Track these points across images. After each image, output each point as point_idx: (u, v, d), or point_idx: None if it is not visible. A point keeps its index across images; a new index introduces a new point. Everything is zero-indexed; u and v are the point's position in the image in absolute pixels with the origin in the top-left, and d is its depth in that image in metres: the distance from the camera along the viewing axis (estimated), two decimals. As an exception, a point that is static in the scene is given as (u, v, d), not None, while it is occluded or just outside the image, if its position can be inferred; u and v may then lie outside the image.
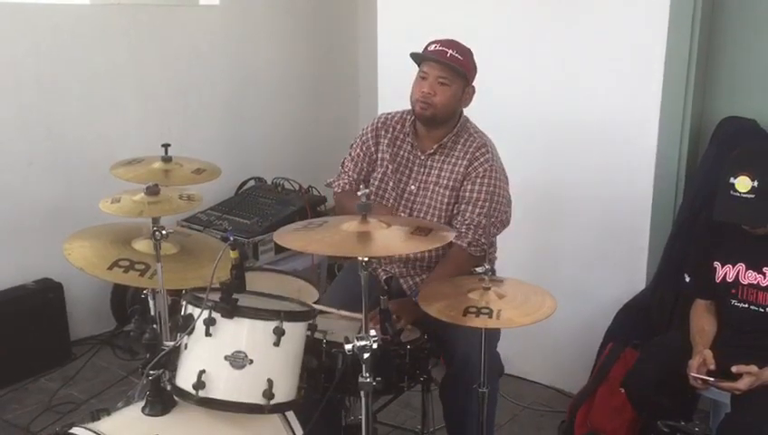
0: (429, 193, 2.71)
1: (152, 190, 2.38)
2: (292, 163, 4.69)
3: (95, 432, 1.90)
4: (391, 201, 2.76)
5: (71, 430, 1.93)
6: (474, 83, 2.69)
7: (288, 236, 2.12)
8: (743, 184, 2.41)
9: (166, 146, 2.76)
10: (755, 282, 2.52)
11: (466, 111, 2.76)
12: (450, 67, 2.59)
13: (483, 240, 2.60)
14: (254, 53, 4.61)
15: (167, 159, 2.76)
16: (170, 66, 4.21)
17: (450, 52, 2.59)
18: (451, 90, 2.62)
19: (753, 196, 2.40)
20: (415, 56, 2.66)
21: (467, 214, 2.64)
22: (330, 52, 5.00)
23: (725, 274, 2.58)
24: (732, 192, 2.43)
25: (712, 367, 2.44)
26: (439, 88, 2.61)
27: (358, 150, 2.84)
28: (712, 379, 2.42)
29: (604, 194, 3.35)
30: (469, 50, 2.66)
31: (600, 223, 3.39)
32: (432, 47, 2.63)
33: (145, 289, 2.50)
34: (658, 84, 3.14)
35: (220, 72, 4.45)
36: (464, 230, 2.62)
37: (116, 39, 3.97)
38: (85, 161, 3.90)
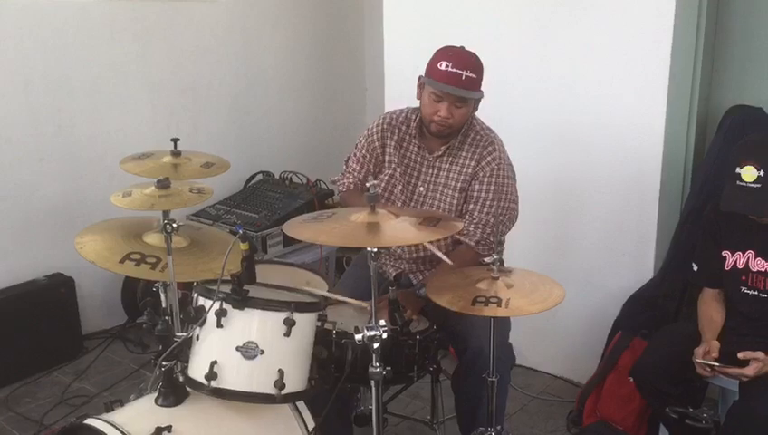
0: (438, 194, 2.69)
1: (163, 184, 2.40)
2: (299, 157, 4.71)
3: (109, 423, 1.92)
4: (399, 203, 2.73)
5: (85, 421, 1.95)
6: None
7: (297, 228, 2.13)
8: (749, 174, 2.41)
9: (175, 140, 2.77)
10: (764, 269, 2.53)
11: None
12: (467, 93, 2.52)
13: (491, 238, 2.59)
14: (260, 47, 4.62)
15: (176, 154, 2.77)
16: (177, 61, 4.23)
17: (465, 74, 2.48)
18: (467, 107, 2.57)
19: (759, 185, 2.40)
20: (428, 81, 2.54)
21: (476, 213, 2.63)
22: (336, 45, 5.01)
23: (736, 261, 2.59)
24: (738, 182, 2.43)
25: (714, 355, 2.46)
26: (456, 111, 2.55)
27: (363, 151, 2.79)
28: (718, 364, 2.44)
29: (612, 184, 3.35)
30: (478, 59, 2.56)
31: (608, 213, 3.39)
32: (443, 66, 2.49)
33: (156, 282, 2.52)
34: (665, 74, 3.13)
35: (227, 67, 4.46)
36: (472, 229, 2.61)
37: (123, 35, 3.99)
38: (95, 156, 3.93)
